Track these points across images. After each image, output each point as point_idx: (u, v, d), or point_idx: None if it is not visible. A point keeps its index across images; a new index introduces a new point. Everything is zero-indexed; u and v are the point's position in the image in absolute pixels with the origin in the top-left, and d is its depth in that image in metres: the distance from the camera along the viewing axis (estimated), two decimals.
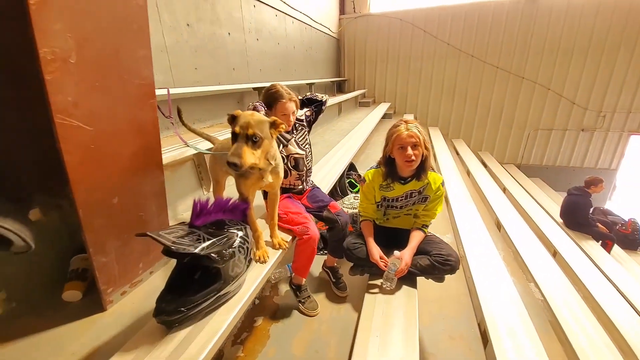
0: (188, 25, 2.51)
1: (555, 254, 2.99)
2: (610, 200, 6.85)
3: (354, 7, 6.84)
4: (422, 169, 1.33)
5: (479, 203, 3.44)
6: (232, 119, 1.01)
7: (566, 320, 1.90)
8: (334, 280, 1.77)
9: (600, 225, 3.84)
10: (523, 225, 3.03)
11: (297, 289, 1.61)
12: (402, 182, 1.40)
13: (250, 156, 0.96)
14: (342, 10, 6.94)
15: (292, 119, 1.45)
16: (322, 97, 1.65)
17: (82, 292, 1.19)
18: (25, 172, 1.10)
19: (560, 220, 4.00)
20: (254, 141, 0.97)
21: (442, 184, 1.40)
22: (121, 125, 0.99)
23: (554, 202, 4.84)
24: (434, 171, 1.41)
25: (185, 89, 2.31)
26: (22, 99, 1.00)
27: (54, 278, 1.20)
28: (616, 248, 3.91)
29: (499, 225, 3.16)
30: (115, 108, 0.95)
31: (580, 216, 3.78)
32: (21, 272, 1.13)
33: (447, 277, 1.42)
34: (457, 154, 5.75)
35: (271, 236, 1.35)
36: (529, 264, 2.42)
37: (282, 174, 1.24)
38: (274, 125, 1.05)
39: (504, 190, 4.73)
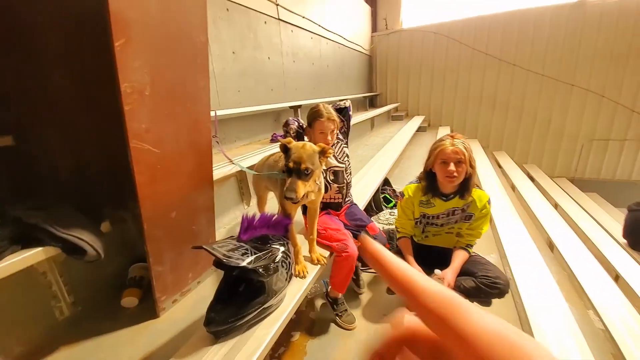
0: (233, 52, 2.73)
1: (617, 277, 2.65)
2: None
3: (386, 25, 6.93)
4: (465, 187, 1.30)
5: (526, 220, 3.20)
6: (285, 150, 1.08)
7: (632, 352, 1.67)
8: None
9: None
10: (579, 245, 2.75)
11: (333, 302, 1.61)
12: (444, 198, 1.37)
13: (303, 189, 1.04)
14: (374, 28, 7.06)
15: (332, 137, 1.50)
16: (344, 103, 1.69)
17: (139, 299, 1.30)
18: (99, 189, 1.27)
19: (623, 241, 3.56)
20: (306, 174, 1.04)
21: (489, 202, 1.34)
22: (183, 147, 1.11)
23: (614, 219, 4.33)
24: (480, 188, 1.36)
25: (229, 110, 2.49)
26: (102, 125, 1.16)
27: (114, 285, 1.33)
28: None
29: (551, 245, 2.90)
30: (179, 132, 1.08)
31: None
32: (87, 278, 1.27)
33: (494, 301, 1.34)
34: (500, 167, 5.43)
35: (310, 251, 1.38)
36: (588, 288, 2.18)
37: (323, 190, 1.28)
38: (323, 153, 1.10)
39: (556, 206, 4.34)
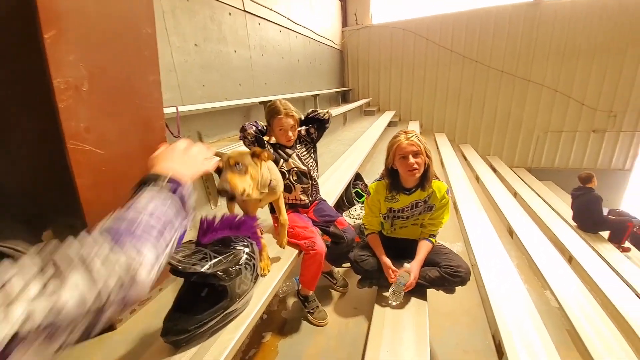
0: (196, 45, 2.60)
1: (570, 259, 2.90)
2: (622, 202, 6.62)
3: (356, 20, 6.95)
4: (425, 178, 1.33)
5: (489, 209, 3.38)
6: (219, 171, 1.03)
7: (584, 328, 1.83)
8: (334, 282, 1.90)
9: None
10: (536, 231, 2.95)
11: (305, 300, 1.61)
12: (407, 192, 1.40)
13: (238, 181, 0.96)
14: (344, 23, 7.06)
15: (292, 133, 1.46)
16: (325, 114, 1.62)
17: None
18: (38, 195, 1.15)
19: (574, 224, 3.89)
20: (237, 168, 0.99)
21: (447, 191, 1.39)
22: (132, 147, 1.03)
23: (567, 205, 4.71)
24: (438, 179, 1.40)
25: (193, 106, 2.38)
26: (37, 125, 1.04)
27: None
28: (631, 247, 3.78)
29: (511, 232, 3.09)
30: (126, 131, 0.99)
31: (596, 212, 3.68)
32: None
33: (458, 288, 1.39)
34: (465, 159, 5.69)
35: (279, 234, 1.33)
36: (544, 270, 2.35)
37: (279, 189, 1.25)
38: (254, 155, 1.06)
39: (515, 194, 4.63)
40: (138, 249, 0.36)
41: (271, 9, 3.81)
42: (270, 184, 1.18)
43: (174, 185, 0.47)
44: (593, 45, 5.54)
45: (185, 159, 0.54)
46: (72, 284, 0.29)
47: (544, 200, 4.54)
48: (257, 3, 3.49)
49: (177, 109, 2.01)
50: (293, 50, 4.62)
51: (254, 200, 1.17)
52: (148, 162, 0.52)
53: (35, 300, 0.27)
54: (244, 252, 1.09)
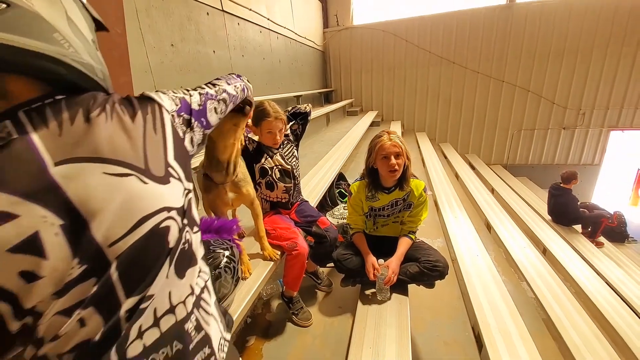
0: (172, 45, 2.53)
1: (545, 251, 3.04)
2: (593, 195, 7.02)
3: (337, 21, 7.01)
4: (404, 178, 1.36)
5: (468, 205, 3.50)
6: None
7: (558, 317, 1.92)
8: (318, 282, 1.90)
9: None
10: (512, 225, 3.08)
11: (289, 301, 1.60)
12: (386, 191, 1.42)
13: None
14: (325, 24, 7.10)
15: (280, 136, 1.48)
16: (306, 107, 1.68)
17: None
18: None
19: (547, 217, 4.08)
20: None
21: (425, 189, 1.42)
22: None
23: (542, 199, 4.94)
24: (416, 178, 1.44)
25: None
26: None
27: None
28: (604, 241, 4.00)
29: (488, 227, 3.21)
30: None
31: (571, 213, 3.87)
32: None
33: (439, 282, 1.43)
34: (445, 157, 5.85)
35: (262, 249, 1.37)
36: (520, 263, 2.46)
37: (249, 191, 1.24)
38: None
39: (492, 191, 4.81)
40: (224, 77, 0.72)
41: (250, 9, 3.78)
42: (236, 174, 1.16)
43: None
44: (561, 47, 5.84)
45: None
46: (226, 88, 0.67)
47: (519, 196, 4.74)
48: (236, 3, 3.45)
49: None
50: (274, 51, 4.60)
51: (218, 190, 1.16)
52: None
53: (204, 89, 0.62)
54: (223, 256, 1.08)
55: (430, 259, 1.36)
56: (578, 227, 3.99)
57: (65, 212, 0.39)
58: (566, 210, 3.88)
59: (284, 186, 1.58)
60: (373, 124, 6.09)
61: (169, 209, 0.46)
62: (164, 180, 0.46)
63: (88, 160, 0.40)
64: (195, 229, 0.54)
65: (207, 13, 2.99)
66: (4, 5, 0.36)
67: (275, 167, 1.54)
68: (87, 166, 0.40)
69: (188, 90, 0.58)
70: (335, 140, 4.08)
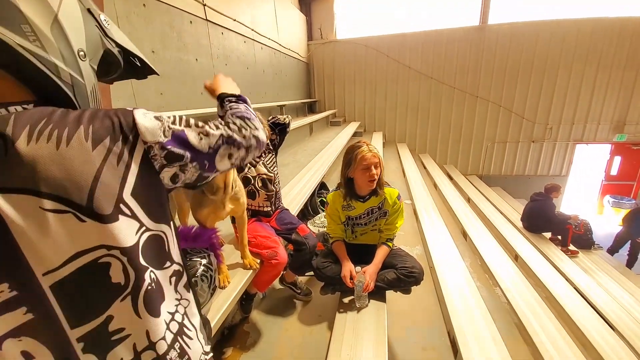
0: (153, 52, 2.51)
1: (517, 257, 3.17)
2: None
3: (321, 34, 7.18)
4: (378, 184, 1.40)
5: (445, 214, 3.61)
6: None
7: (529, 321, 2.00)
8: (297, 291, 1.89)
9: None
10: (486, 233, 3.21)
11: (248, 298, 1.61)
12: (362, 200, 1.46)
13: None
14: (310, 37, 7.25)
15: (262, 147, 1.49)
16: (285, 119, 1.69)
17: None
18: None
19: (519, 225, 4.28)
20: None
21: (398, 197, 1.47)
22: None
23: (514, 208, 5.18)
24: (389, 186, 1.48)
25: None
26: None
27: None
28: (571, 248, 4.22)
29: (464, 234, 3.32)
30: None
31: (545, 218, 4.06)
32: None
33: (418, 288, 1.47)
34: (425, 168, 6.04)
35: (242, 257, 1.36)
36: (493, 269, 2.55)
37: (243, 200, 1.25)
38: None
39: (468, 200, 5.00)
40: (256, 120, 0.61)
41: (235, 20, 3.82)
42: (233, 189, 1.17)
43: (243, 98, 0.72)
44: (529, 66, 6.27)
45: (229, 82, 0.81)
46: (238, 131, 0.56)
47: (493, 205, 4.95)
48: (220, 13, 3.48)
49: None
50: (258, 61, 4.64)
51: (214, 204, 1.14)
52: (212, 86, 0.80)
53: (226, 131, 0.54)
54: (200, 264, 1.06)
55: (406, 265, 1.39)
56: (547, 235, 4.20)
57: (1, 239, 0.38)
58: (541, 215, 4.08)
59: (266, 194, 1.59)
60: (356, 134, 6.22)
61: (108, 247, 0.44)
62: (109, 218, 0.43)
63: (24, 192, 0.38)
64: (167, 264, 0.52)
65: (190, 22, 3.00)
66: None
67: (258, 177, 1.54)
68: (24, 198, 0.38)
69: (209, 127, 0.52)
70: (318, 149, 4.13)
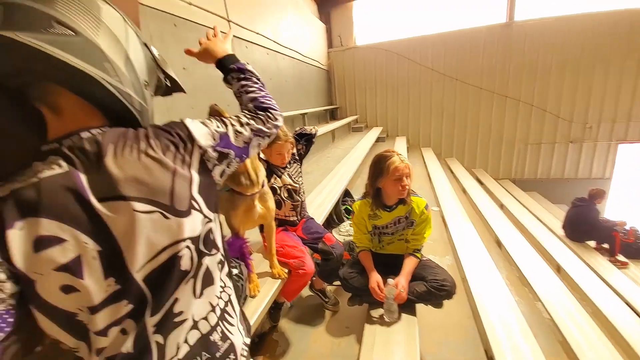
0: (184, 69, 2.65)
1: (559, 269, 2.94)
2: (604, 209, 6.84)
3: (340, 42, 7.24)
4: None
5: (476, 221, 3.44)
6: None
7: (576, 339, 1.84)
8: (326, 300, 1.87)
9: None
10: (524, 242, 3.01)
11: (276, 307, 1.60)
12: (388, 209, 1.43)
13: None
14: (329, 45, 7.34)
15: (288, 157, 1.53)
16: (312, 129, 1.73)
17: None
18: None
19: (560, 233, 3.98)
20: None
21: (426, 207, 1.42)
22: None
23: (553, 215, 4.84)
24: (416, 194, 1.44)
25: None
26: None
27: None
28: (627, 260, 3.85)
29: (499, 244, 3.14)
30: None
31: (589, 224, 3.77)
32: None
33: (449, 301, 1.40)
34: (452, 172, 5.83)
35: (271, 267, 1.39)
36: (533, 282, 2.39)
37: (272, 205, 1.27)
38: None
39: (502, 206, 4.74)
40: (275, 107, 0.69)
41: (257, 33, 3.95)
42: (263, 184, 1.20)
43: (246, 68, 0.76)
44: (563, 62, 5.89)
45: (220, 42, 0.83)
46: (263, 123, 0.65)
47: (530, 211, 4.65)
48: (243, 27, 3.62)
49: None
50: (281, 71, 4.75)
51: (246, 203, 1.18)
52: (205, 50, 0.83)
53: (255, 124, 0.63)
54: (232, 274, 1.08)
55: (437, 277, 1.34)
56: (591, 243, 3.87)
57: (104, 241, 0.46)
58: (584, 221, 3.78)
59: (292, 204, 1.61)
60: (378, 139, 6.15)
61: (185, 240, 0.51)
62: (185, 213, 0.51)
63: (121, 199, 0.46)
64: (214, 251, 0.58)
65: None
66: (72, 33, 0.45)
67: (283, 187, 1.58)
68: (122, 204, 0.46)
69: (241, 125, 0.61)
70: (341, 156, 4.13)
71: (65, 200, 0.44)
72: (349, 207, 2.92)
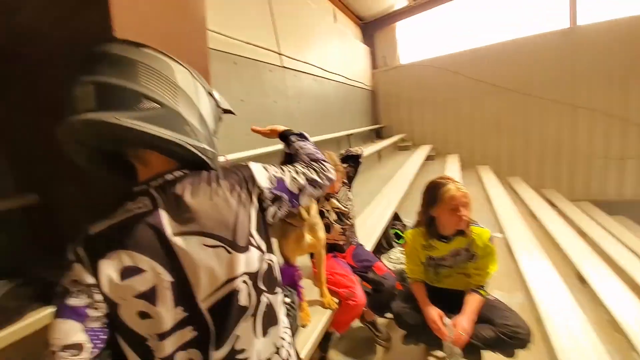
0: (242, 100, 2.91)
1: None
2: None
3: (385, 62, 7.28)
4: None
5: (551, 251, 3.01)
6: None
7: None
8: (377, 334, 1.74)
9: None
10: (613, 277, 2.54)
11: (325, 337, 1.53)
12: (445, 240, 1.32)
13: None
14: (374, 66, 7.42)
15: (337, 185, 1.55)
16: (357, 150, 1.73)
17: None
18: None
19: None
20: None
21: (490, 239, 1.28)
22: None
23: None
24: (477, 224, 1.31)
25: (240, 154, 2.61)
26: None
27: None
28: None
29: (581, 279, 2.69)
30: None
31: None
32: None
33: (519, 350, 1.22)
34: (516, 193, 5.26)
35: (321, 295, 1.37)
36: (628, 326, 1.97)
37: (321, 234, 1.27)
38: None
39: (581, 233, 4.09)
40: (327, 160, 0.75)
41: (306, 62, 4.18)
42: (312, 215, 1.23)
43: (304, 135, 0.86)
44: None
45: (280, 126, 0.97)
46: (317, 174, 0.70)
47: (618, 239, 3.93)
48: (293, 59, 3.86)
49: (224, 158, 2.22)
50: (327, 95, 4.91)
51: (296, 233, 1.21)
52: (271, 129, 1.01)
53: (310, 174, 0.68)
54: (284, 303, 1.10)
55: (508, 323, 1.18)
56: None
57: (175, 272, 0.52)
58: None
59: (341, 228, 1.60)
60: (428, 158, 5.89)
61: (243, 274, 0.56)
62: (245, 249, 0.56)
63: (193, 234, 0.53)
64: (277, 289, 0.63)
65: (270, 70, 3.40)
66: (158, 105, 0.52)
67: (332, 210, 1.58)
68: (193, 239, 0.53)
69: (296, 172, 0.67)
70: (389, 176, 4.02)
71: (148, 235, 0.51)
72: (399, 232, 2.79)
